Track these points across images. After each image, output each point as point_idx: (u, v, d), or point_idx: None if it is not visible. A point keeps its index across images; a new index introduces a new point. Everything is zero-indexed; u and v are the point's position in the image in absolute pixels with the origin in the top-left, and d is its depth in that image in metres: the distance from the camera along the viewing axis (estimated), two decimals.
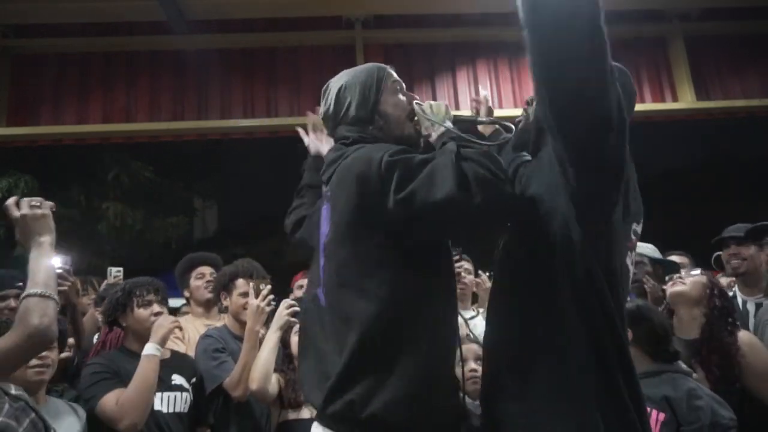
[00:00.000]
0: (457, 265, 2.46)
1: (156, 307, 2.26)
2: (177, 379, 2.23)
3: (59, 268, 2.28)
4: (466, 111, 4.57)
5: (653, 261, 2.71)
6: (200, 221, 13.61)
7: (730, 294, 2.73)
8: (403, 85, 1.58)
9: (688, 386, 1.83)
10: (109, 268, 3.27)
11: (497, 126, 1.62)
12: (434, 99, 4.55)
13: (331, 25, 4.66)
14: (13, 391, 1.67)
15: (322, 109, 1.60)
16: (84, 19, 4.41)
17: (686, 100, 4.66)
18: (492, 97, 4.63)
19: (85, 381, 2.07)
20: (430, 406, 1.26)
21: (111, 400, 1.99)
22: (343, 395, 1.24)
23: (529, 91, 4.62)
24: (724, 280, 3.13)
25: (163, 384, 2.17)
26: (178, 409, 2.18)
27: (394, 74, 1.57)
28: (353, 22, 4.62)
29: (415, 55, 4.68)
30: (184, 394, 2.22)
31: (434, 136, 1.42)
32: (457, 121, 1.46)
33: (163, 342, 2.14)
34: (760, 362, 2.02)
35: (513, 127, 1.49)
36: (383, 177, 1.27)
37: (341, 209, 1.35)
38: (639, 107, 4.69)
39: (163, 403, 2.15)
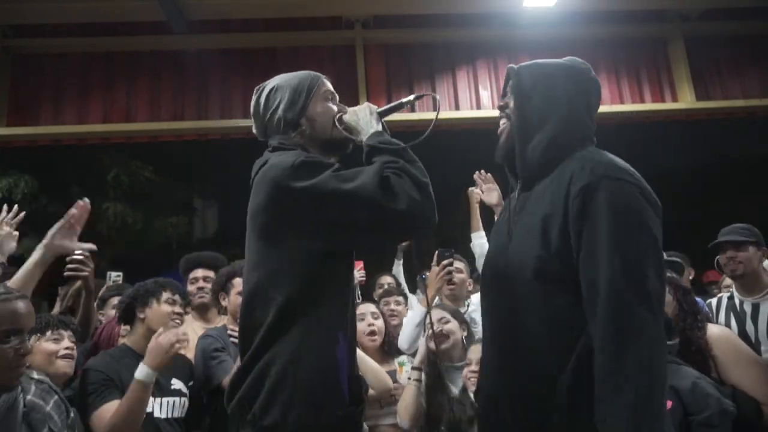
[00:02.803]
0: (447, 263, 2.47)
1: (179, 308, 2.26)
2: (176, 383, 2.20)
3: (79, 254, 2.30)
4: (467, 111, 4.58)
5: None
6: (200, 221, 13.61)
7: (728, 294, 2.76)
8: (336, 96, 1.62)
9: (694, 375, 1.85)
10: (108, 273, 3.26)
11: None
12: (434, 99, 4.57)
13: (331, 25, 4.66)
14: (35, 375, 1.70)
15: (252, 106, 1.65)
16: (84, 19, 4.41)
17: (686, 100, 4.66)
18: (492, 97, 4.63)
19: (83, 388, 2.04)
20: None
21: (104, 415, 1.95)
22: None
23: None
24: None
25: (162, 389, 2.13)
26: (176, 414, 2.14)
27: (328, 84, 1.61)
28: (353, 22, 4.62)
29: (415, 55, 4.68)
30: (183, 399, 2.19)
31: (364, 140, 1.48)
32: (383, 114, 1.54)
33: (158, 367, 2.00)
34: (731, 353, 2.08)
35: (436, 97, 1.66)
36: (295, 172, 1.33)
37: (256, 212, 1.40)
38: (639, 107, 4.70)
39: (162, 409, 2.12)
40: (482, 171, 2.82)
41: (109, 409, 1.96)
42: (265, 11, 4.47)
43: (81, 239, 1.87)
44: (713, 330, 2.14)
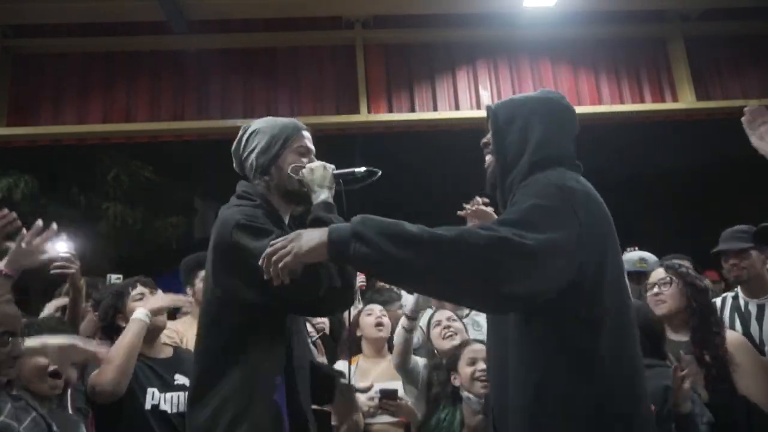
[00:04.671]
0: None
1: (149, 297, 2.29)
2: (180, 378, 2.21)
3: (64, 252, 2.29)
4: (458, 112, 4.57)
5: None
6: (200, 221, 13.58)
7: (732, 294, 2.75)
8: (311, 152, 1.72)
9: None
10: (108, 275, 3.24)
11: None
12: (434, 99, 4.57)
13: (331, 25, 4.66)
14: (14, 391, 1.68)
15: (234, 144, 1.74)
16: (84, 19, 4.41)
17: (686, 100, 4.66)
18: (492, 97, 4.63)
19: (87, 372, 2.07)
20: None
21: (104, 367, 2.00)
22: None
23: (528, 91, 4.63)
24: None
25: (166, 384, 2.16)
26: (182, 409, 2.13)
27: (307, 138, 1.72)
28: (353, 22, 4.61)
29: (415, 55, 4.67)
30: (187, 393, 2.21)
31: (315, 202, 1.59)
32: (336, 177, 1.63)
33: (154, 312, 2.16)
34: (747, 362, 2.05)
35: (377, 171, 1.65)
36: (240, 230, 1.47)
37: (208, 252, 1.58)
38: (639, 107, 4.70)
39: (167, 402, 2.14)
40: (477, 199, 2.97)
41: (104, 364, 1.99)
42: (265, 11, 4.47)
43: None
44: (731, 336, 2.12)
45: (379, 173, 1.65)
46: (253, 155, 1.66)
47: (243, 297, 1.47)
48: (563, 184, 1.34)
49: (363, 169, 1.65)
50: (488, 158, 1.58)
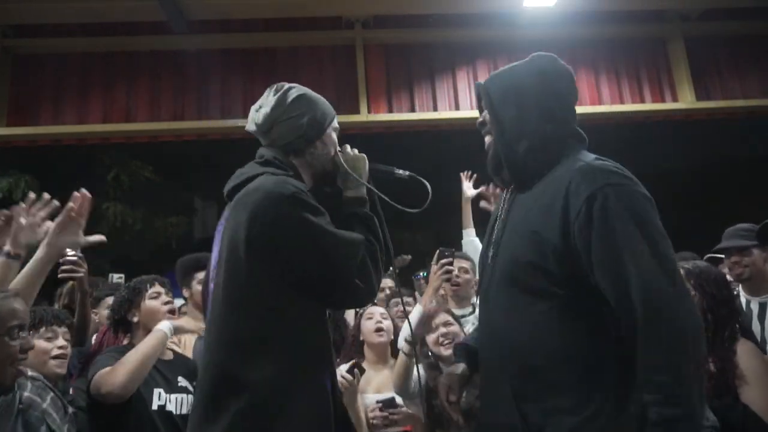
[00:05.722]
0: (446, 262, 2.43)
1: (165, 297, 2.28)
2: (182, 381, 2.21)
3: (72, 255, 2.27)
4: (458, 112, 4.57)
5: None
6: (200, 221, 13.58)
7: (734, 293, 2.73)
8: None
9: None
10: (110, 274, 3.24)
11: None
12: (434, 99, 4.56)
13: (331, 25, 4.66)
14: (29, 372, 1.70)
15: (272, 103, 1.53)
16: (84, 19, 4.41)
17: (686, 100, 4.66)
18: None
19: (93, 369, 2.06)
20: None
21: (116, 369, 1.97)
22: None
23: None
24: None
25: (171, 386, 2.16)
26: (184, 411, 2.14)
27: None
28: (353, 22, 4.62)
29: (415, 55, 4.68)
30: (190, 396, 2.19)
31: (350, 193, 1.53)
32: (373, 171, 1.58)
33: (178, 329, 2.18)
34: (753, 371, 1.97)
35: (426, 184, 1.58)
36: (297, 202, 1.32)
37: (236, 231, 1.34)
38: (639, 107, 4.70)
39: (173, 404, 2.13)
40: (468, 172, 3.22)
41: (118, 365, 1.96)
42: (265, 11, 4.47)
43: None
44: (743, 346, 2.03)
45: (430, 193, 1.57)
46: (304, 123, 1.49)
47: (291, 275, 1.30)
48: (640, 186, 1.27)
49: (406, 173, 1.61)
50: (487, 139, 1.49)
